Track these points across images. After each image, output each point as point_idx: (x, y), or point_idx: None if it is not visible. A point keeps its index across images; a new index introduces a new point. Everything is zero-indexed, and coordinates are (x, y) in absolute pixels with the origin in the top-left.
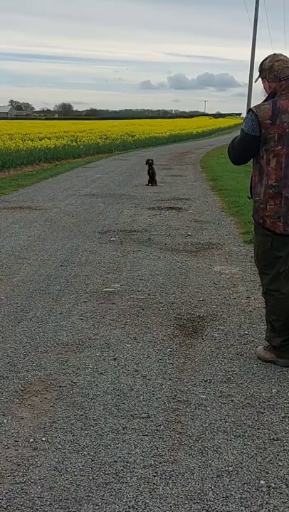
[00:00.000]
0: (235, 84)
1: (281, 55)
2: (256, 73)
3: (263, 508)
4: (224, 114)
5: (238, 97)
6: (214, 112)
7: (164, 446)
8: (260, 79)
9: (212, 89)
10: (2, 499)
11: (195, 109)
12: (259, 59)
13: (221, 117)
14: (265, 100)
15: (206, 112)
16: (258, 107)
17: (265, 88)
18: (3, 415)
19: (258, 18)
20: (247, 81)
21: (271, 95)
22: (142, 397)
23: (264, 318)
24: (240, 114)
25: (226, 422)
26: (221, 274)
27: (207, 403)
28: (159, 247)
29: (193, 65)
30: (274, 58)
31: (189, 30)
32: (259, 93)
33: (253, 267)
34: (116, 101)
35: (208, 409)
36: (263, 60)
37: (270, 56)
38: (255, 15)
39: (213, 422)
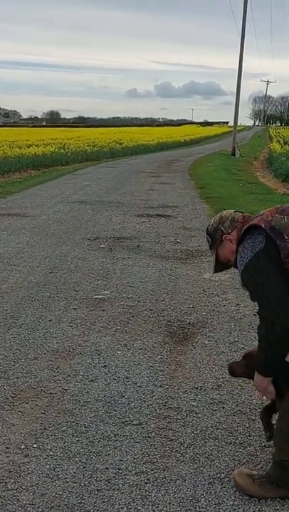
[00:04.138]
0: (222, 92)
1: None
2: (244, 82)
3: None
4: (212, 123)
5: (225, 106)
6: (202, 120)
7: (156, 453)
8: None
9: (199, 97)
10: None
11: (182, 117)
12: (246, 68)
13: (208, 125)
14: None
15: (194, 120)
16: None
17: (231, 248)
18: None
19: (246, 27)
20: (233, 89)
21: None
22: (133, 404)
23: (254, 325)
24: (227, 122)
25: (217, 428)
26: (210, 282)
27: (198, 410)
28: (148, 254)
29: (179, 73)
30: (216, 217)
31: (175, 38)
32: (246, 102)
33: None
34: (103, 109)
35: (200, 416)
36: (208, 230)
37: (209, 224)
38: (242, 25)
39: (204, 428)
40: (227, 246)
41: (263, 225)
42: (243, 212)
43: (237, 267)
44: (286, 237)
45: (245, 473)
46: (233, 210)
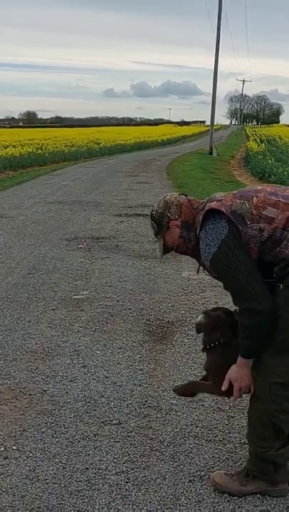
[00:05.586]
0: (198, 92)
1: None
2: (220, 82)
3: None
4: (189, 122)
5: (202, 105)
6: (179, 120)
7: (136, 452)
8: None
9: (175, 97)
10: None
11: (159, 116)
12: (222, 68)
13: (185, 125)
14: (187, 236)
15: (171, 119)
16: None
17: (178, 234)
18: None
19: (221, 26)
20: (209, 89)
21: (186, 226)
22: (112, 403)
23: None
24: (204, 121)
25: (196, 426)
26: (189, 280)
27: (178, 408)
28: (127, 254)
29: (155, 73)
30: (160, 202)
31: (150, 38)
32: (222, 101)
33: None
34: (81, 109)
35: (179, 414)
36: (152, 216)
37: (153, 209)
38: (218, 23)
39: (184, 427)
40: (174, 232)
41: (223, 210)
42: (186, 195)
43: (182, 253)
44: (248, 222)
45: (222, 473)
46: (177, 194)
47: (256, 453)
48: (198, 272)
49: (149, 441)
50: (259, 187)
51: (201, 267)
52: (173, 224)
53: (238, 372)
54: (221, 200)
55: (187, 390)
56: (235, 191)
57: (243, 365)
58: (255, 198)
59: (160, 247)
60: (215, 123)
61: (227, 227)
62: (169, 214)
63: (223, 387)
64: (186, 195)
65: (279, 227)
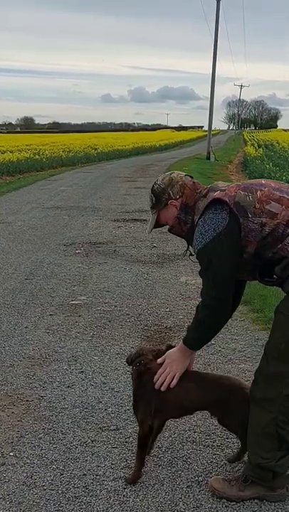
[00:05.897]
0: (196, 97)
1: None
2: (218, 87)
3: None
4: (186, 127)
5: (200, 110)
6: (177, 125)
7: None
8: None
9: (173, 102)
10: None
11: (157, 122)
12: (220, 73)
13: (183, 130)
14: (184, 218)
15: (169, 124)
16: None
17: (174, 214)
18: None
19: (218, 30)
20: (207, 94)
21: (186, 208)
22: (110, 409)
23: (230, 328)
24: (202, 126)
25: (194, 432)
26: (186, 285)
27: None
28: (124, 259)
29: (152, 78)
30: (165, 177)
31: (146, 42)
32: (220, 106)
33: None
34: (78, 114)
35: (177, 419)
36: (153, 189)
37: (156, 182)
38: (215, 27)
39: (182, 432)
40: (171, 211)
41: (227, 200)
42: (192, 177)
43: (175, 234)
44: (250, 215)
45: (221, 478)
46: (184, 174)
47: (257, 463)
48: (184, 255)
49: None
50: (263, 181)
51: (188, 252)
52: (172, 203)
53: (175, 354)
54: (225, 190)
55: (136, 472)
56: (239, 182)
57: (181, 350)
58: (259, 192)
59: (152, 221)
60: (213, 128)
61: (227, 219)
62: (170, 192)
63: (158, 361)
64: (191, 177)
65: (282, 224)
